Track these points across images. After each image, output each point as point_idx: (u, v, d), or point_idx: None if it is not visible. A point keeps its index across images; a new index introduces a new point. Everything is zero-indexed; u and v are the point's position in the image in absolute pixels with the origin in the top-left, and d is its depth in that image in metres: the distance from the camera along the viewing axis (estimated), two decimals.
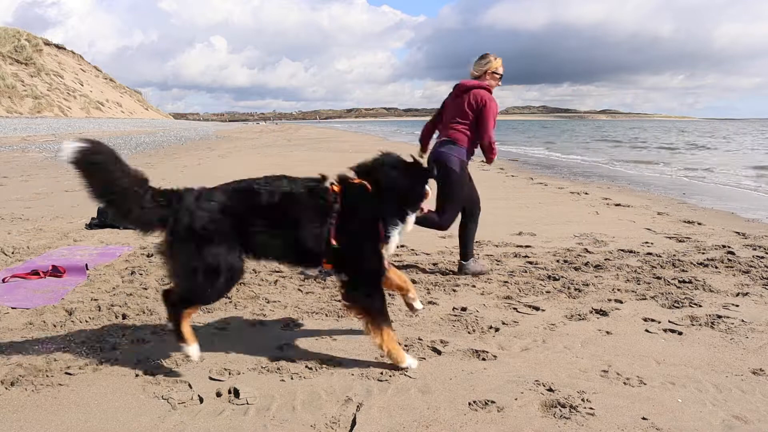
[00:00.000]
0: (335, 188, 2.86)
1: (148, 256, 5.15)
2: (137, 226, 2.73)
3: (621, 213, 7.84)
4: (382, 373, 2.80)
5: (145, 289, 4.14)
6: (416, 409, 2.48)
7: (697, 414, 2.45)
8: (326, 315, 3.66)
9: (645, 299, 4.00)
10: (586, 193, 9.96)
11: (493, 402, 2.53)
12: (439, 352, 3.07)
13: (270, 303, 3.88)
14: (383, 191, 2.89)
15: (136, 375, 2.79)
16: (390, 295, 4.05)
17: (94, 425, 2.36)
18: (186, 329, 2.77)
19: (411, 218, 3.04)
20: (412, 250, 5.53)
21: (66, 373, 2.79)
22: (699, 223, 6.96)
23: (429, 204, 3.26)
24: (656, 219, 7.33)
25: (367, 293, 2.84)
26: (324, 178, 2.91)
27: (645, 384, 2.71)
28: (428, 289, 4.21)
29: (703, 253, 5.32)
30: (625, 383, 2.72)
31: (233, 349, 3.12)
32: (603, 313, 3.71)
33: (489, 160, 4.68)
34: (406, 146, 28.77)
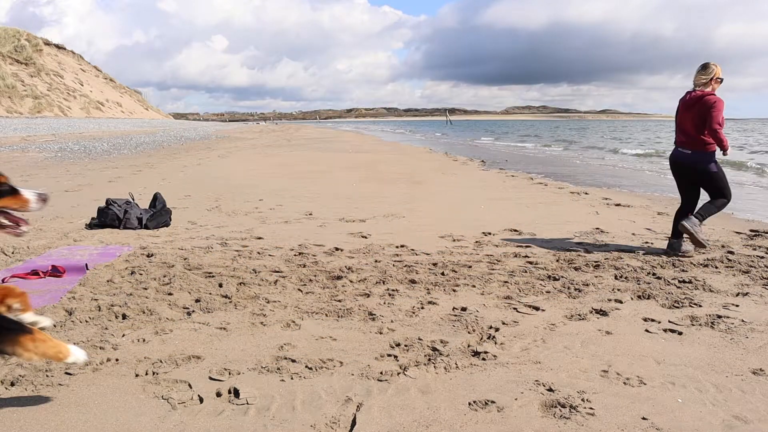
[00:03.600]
0: None
1: (148, 256, 5.15)
2: None
3: (621, 213, 7.84)
4: (382, 373, 2.80)
5: (145, 289, 4.14)
6: (416, 409, 2.48)
7: (697, 414, 2.45)
8: (326, 315, 3.66)
9: (645, 299, 4.00)
10: (586, 193, 9.96)
11: (493, 402, 2.53)
12: (439, 352, 3.07)
13: (270, 303, 3.88)
14: None
15: (136, 375, 2.79)
16: (390, 294, 4.07)
17: (94, 425, 2.36)
18: None
19: None
20: (412, 250, 5.53)
21: (66, 373, 2.79)
22: None
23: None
24: (656, 219, 7.33)
25: None
26: None
27: (645, 384, 2.71)
28: (428, 289, 4.21)
29: (703, 253, 5.32)
30: (625, 383, 2.72)
31: (233, 349, 3.12)
32: (603, 313, 3.71)
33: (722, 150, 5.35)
34: (406, 146, 28.77)
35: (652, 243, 5.82)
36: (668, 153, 6.12)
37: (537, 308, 3.79)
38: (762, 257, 5.14)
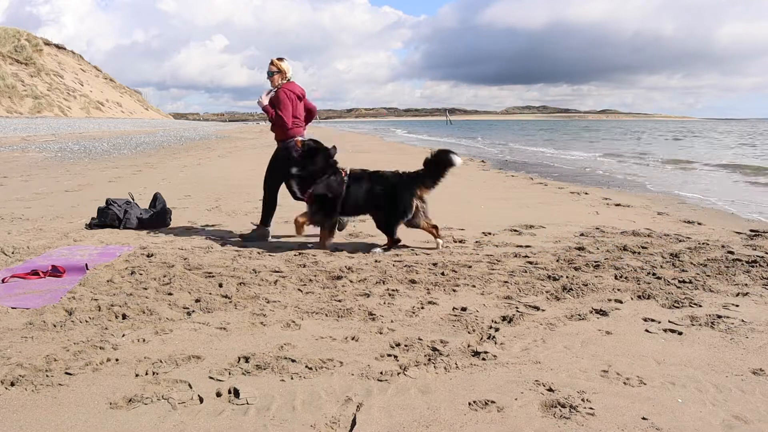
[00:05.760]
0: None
1: (148, 256, 5.15)
2: None
3: (621, 213, 7.84)
4: (382, 373, 2.80)
5: (145, 289, 4.14)
6: (416, 409, 2.48)
7: (697, 414, 2.45)
8: (326, 315, 3.66)
9: (645, 299, 4.00)
10: (586, 193, 9.96)
11: (493, 402, 2.53)
12: (439, 352, 3.07)
13: (270, 303, 3.88)
14: None
15: (136, 375, 2.79)
16: (390, 294, 4.07)
17: (94, 425, 2.36)
18: None
19: None
20: (412, 250, 5.53)
21: (66, 373, 2.79)
22: (699, 223, 6.96)
23: None
24: (656, 219, 7.33)
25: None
26: None
27: (645, 384, 2.71)
28: (428, 289, 4.21)
29: (703, 253, 5.32)
30: (625, 383, 2.72)
31: (233, 349, 3.12)
32: (603, 313, 3.71)
33: None
34: (406, 146, 28.78)
35: (651, 243, 5.81)
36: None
37: (537, 308, 3.79)
38: (762, 257, 5.14)
